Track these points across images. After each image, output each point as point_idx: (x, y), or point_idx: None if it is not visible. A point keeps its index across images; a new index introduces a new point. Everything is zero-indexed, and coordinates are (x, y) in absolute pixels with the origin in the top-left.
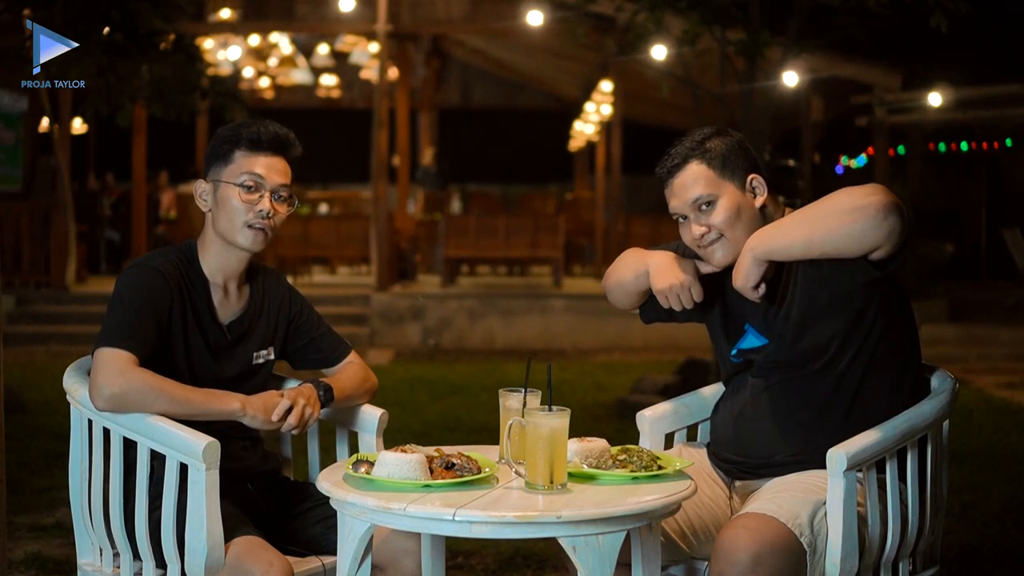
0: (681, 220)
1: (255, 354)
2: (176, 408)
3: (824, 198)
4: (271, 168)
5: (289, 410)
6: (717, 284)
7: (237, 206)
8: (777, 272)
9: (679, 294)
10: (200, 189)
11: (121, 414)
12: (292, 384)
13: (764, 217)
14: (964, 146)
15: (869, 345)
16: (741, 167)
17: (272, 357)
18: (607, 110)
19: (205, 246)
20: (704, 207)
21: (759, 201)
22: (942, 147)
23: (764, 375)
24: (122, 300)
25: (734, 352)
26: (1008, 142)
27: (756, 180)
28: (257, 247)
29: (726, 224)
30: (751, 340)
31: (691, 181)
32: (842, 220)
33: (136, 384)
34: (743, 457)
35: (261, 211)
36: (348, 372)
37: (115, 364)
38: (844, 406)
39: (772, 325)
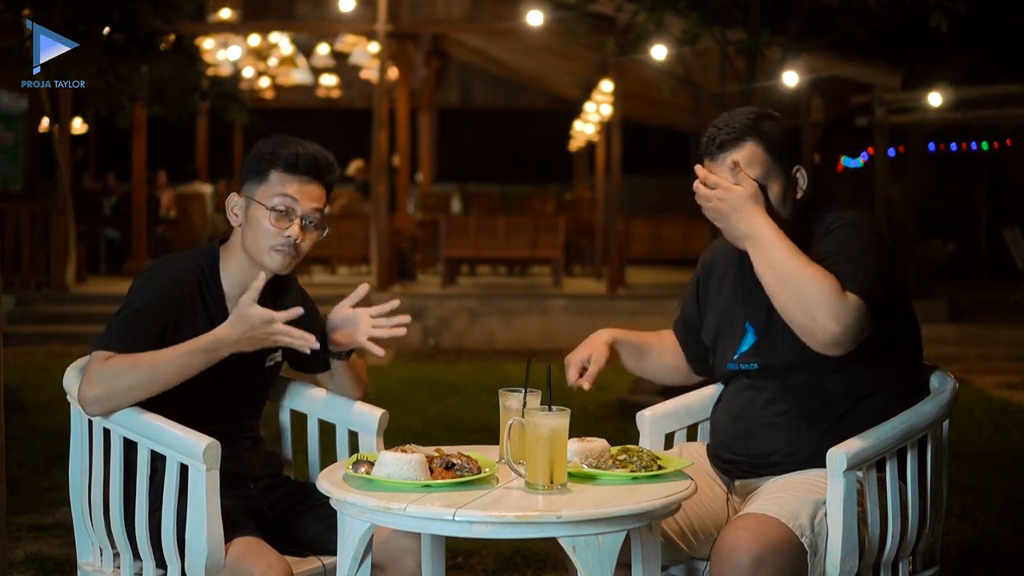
0: None
1: (267, 357)
2: (164, 375)
3: (816, 270)
4: (304, 193)
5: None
6: (717, 289)
7: (267, 229)
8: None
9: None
10: (233, 203)
11: (114, 412)
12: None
13: (795, 214)
14: (964, 146)
15: (865, 346)
16: (788, 156)
17: (280, 359)
18: (607, 110)
19: (229, 257)
20: None
21: (799, 194)
22: (942, 147)
23: (763, 379)
24: (128, 303)
25: (736, 356)
26: (1008, 142)
27: (800, 172)
28: (283, 270)
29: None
30: (749, 339)
31: (745, 162)
32: (806, 312)
33: (111, 373)
34: (741, 456)
35: (289, 237)
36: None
37: (94, 367)
38: (842, 407)
39: (771, 321)
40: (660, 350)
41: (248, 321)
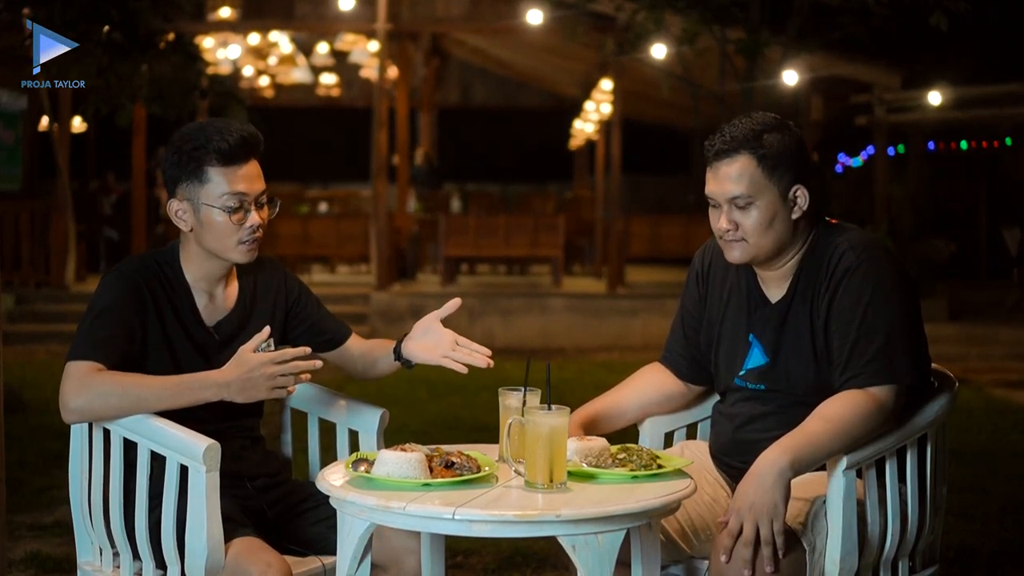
0: (713, 205)
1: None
2: (148, 404)
3: (844, 420)
4: (249, 179)
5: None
6: (720, 291)
7: (226, 227)
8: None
9: None
10: (175, 208)
11: (96, 423)
12: None
13: (795, 231)
14: (964, 146)
15: None
16: (790, 173)
17: (272, 348)
18: (607, 109)
19: (187, 256)
20: (740, 206)
21: (796, 214)
22: (942, 147)
23: (768, 398)
24: (91, 310)
25: (743, 373)
26: (1008, 142)
27: (800, 192)
28: (252, 259)
29: (754, 231)
30: (757, 357)
31: (736, 175)
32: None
33: (98, 390)
34: (744, 464)
35: (251, 226)
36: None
37: (77, 376)
38: None
39: (780, 345)
40: (638, 389)
41: (247, 363)
